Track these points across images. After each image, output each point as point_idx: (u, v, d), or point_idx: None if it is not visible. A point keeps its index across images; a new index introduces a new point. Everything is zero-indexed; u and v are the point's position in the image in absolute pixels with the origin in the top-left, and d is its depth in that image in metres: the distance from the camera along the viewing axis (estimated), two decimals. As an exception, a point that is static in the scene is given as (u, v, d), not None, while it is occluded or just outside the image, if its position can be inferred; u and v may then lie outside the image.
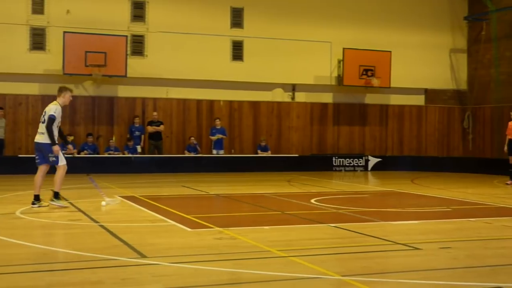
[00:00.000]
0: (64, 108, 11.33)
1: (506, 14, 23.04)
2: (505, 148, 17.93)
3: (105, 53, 20.20)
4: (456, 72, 25.22)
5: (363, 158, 23.31)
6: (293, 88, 23.35)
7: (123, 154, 20.50)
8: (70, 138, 20.25)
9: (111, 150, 20.44)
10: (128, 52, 20.95)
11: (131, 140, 20.74)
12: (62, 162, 10.94)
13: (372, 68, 23.21)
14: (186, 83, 21.93)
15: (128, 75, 20.74)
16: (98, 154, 20.35)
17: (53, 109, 10.88)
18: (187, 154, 21.52)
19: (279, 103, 23.23)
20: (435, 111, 25.09)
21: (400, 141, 24.69)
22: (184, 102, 22.09)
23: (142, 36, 21.49)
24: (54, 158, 10.84)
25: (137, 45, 21.44)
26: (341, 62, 23.11)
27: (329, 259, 7.09)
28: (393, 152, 24.57)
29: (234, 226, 9.23)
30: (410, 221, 10.11)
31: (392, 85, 23.51)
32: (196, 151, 21.48)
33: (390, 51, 23.33)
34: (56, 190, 10.99)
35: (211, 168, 20.93)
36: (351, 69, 23.02)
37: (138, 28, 21.45)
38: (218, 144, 21.54)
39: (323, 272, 6.20)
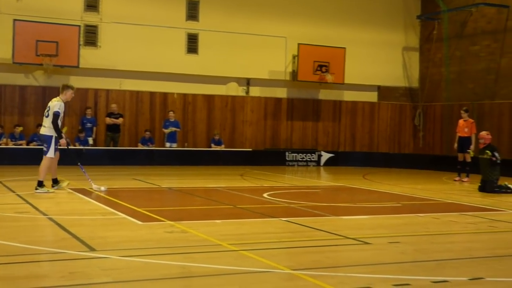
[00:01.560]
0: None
1: (457, 14, 23.47)
2: (455, 145, 18.29)
3: (56, 42, 19.80)
4: (408, 70, 25.59)
5: (316, 153, 23.48)
6: (248, 82, 23.35)
7: (74, 146, 20.18)
8: (19, 129, 19.89)
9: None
10: (81, 43, 20.60)
11: (83, 131, 20.44)
12: (51, 154, 11.92)
13: (327, 64, 23.37)
14: (140, 75, 21.71)
15: (80, 66, 20.39)
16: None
17: (57, 105, 11.89)
18: (140, 147, 21.32)
19: (233, 97, 23.20)
20: (387, 108, 25.42)
21: (352, 137, 24.94)
22: (137, 94, 21.87)
23: (95, 26, 21.16)
24: (45, 149, 11.91)
25: (90, 36, 21.10)
26: (296, 58, 23.21)
27: (280, 253, 7.12)
28: (346, 148, 24.81)
29: (185, 219, 9.18)
30: (361, 216, 10.23)
31: (345, 82, 23.71)
32: (152, 142, 21.30)
33: (344, 48, 23.52)
34: (39, 179, 11.83)
35: (164, 161, 20.80)
36: (306, 65, 23.12)
37: (91, 18, 21.11)
38: (171, 137, 21.40)
39: (274, 266, 6.22)
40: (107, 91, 21.47)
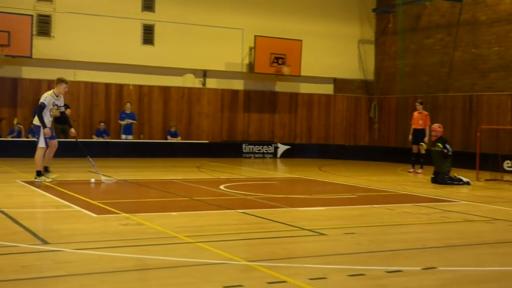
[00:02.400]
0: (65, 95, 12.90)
1: (412, 8, 23.76)
2: (410, 137, 18.56)
3: (8, 32, 19.34)
4: (364, 62, 25.83)
5: (273, 145, 23.55)
6: (204, 74, 23.25)
7: (27, 138, 19.81)
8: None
9: (15, 132, 19.71)
10: (34, 32, 20.20)
11: (36, 123, 20.05)
12: (41, 145, 12.40)
13: (283, 56, 23.42)
14: (95, 66, 21.40)
15: (33, 56, 20.01)
16: (0, 137, 19.57)
17: (44, 97, 12.45)
18: (95, 139, 21.05)
19: (189, 88, 23.08)
20: (343, 100, 25.63)
21: (308, 129, 25.08)
22: (92, 85, 21.56)
23: (48, 16, 20.76)
24: (37, 139, 12.47)
25: (43, 25, 20.70)
26: (253, 50, 23.19)
27: (236, 244, 7.12)
28: (302, 140, 24.94)
29: (141, 212, 9.12)
30: (317, 208, 10.30)
31: (302, 74, 23.80)
32: (107, 134, 21.04)
33: (300, 40, 23.60)
34: (36, 169, 12.44)
35: (120, 153, 20.57)
36: (262, 57, 23.13)
37: (44, 8, 20.71)
38: (127, 129, 21.18)
39: (230, 257, 6.21)
40: (61, 82, 21.09)
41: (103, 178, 12.97)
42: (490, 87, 20.98)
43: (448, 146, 14.91)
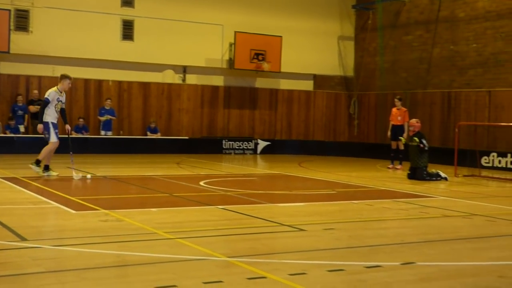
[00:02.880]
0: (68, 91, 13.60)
1: (391, 5, 23.88)
2: (388, 133, 18.67)
3: (-14, 27, 19.20)
4: (343, 59, 25.92)
5: (253, 141, 23.57)
6: (184, 70, 23.19)
7: (5, 133, 19.63)
8: None
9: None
10: (12, 27, 20.01)
11: (13, 119, 19.88)
12: (53, 139, 12.82)
13: (263, 52, 23.43)
14: (74, 62, 21.23)
15: (11, 51, 19.83)
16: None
17: (48, 93, 12.80)
18: (74, 135, 20.87)
19: (169, 84, 23.00)
20: (323, 96, 25.70)
21: (288, 125, 25.12)
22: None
23: (26, 11, 20.56)
24: (47, 135, 12.85)
25: (22, 20, 20.49)
26: (233, 46, 23.17)
27: (216, 240, 7.12)
28: (282, 136, 24.99)
29: (120, 208, 9.08)
30: (296, 203, 10.33)
31: (282, 70, 23.83)
32: (86, 130, 20.90)
33: (280, 36, 23.61)
34: (39, 158, 12.85)
35: (99, 149, 20.46)
36: (242, 53, 23.12)
37: (22, 2, 20.50)
38: (107, 125, 21.07)
39: (210, 253, 6.21)
40: (39, 77, 20.93)
41: (74, 175, 12.72)
42: (468, 84, 21.16)
43: (424, 141, 15.02)
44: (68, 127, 13.42)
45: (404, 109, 18.88)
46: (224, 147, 22.91)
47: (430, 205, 10.45)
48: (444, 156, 19.36)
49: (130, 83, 22.32)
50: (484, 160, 18.74)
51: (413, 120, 15.82)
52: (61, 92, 12.92)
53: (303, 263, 5.97)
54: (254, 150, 23.41)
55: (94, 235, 7.02)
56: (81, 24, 21.17)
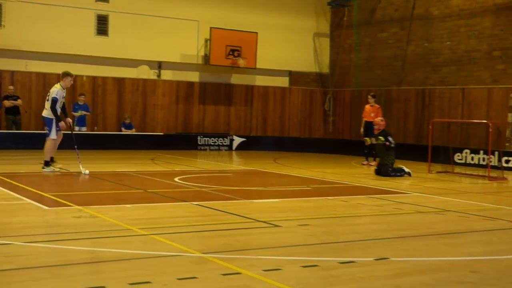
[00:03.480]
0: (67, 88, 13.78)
1: (366, 2, 24.00)
2: (361, 130, 18.78)
3: (-43, 21, 18.91)
4: (319, 55, 25.99)
5: (228, 137, 23.54)
6: (159, 65, 23.07)
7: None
8: None
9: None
10: (-16, 21, 19.75)
11: (-14, 114, 19.66)
12: (52, 136, 13.15)
13: (239, 48, 23.40)
14: (47, 57, 21.00)
15: (-17, 46, 19.59)
16: None
17: (55, 92, 13.15)
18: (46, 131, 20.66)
19: (144, 80, 22.87)
20: (298, 93, 25.75)
21: (264, 121, 25.14)
22: (44, 76, 21.16)
23: (-1, 4, 20.30)
24: (48, 131, 13.17)
25: (-6, 14, 20.23)
26: (208, 42, 23.10)
27: (191, 236, 7.10)
28: (257, 132, 24.99)
29: (94, 204, 9.01)
30: (271, 199, 10.34)
31: (257, 66, 23.82)
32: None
33: (256, 32, 23.60)
34: (45, 159, 13.14)
35: (72, 145, 20.19)
36: (218, 49, 23.06)
37: (-5, -4, 20.24)
38: (81, 121, 20.88)
39: (184, 249, 6.19)
40: (12, 72, 20.69)
41: (82, 169, 13.10)
42: (442, 81, 21.35)
43: (390, 139, 15.14)
44: (69, 120, 13.78)
45: (377, 106, 19.02)
46: (199, 143, 22.85)
47: (404, 201, 10.53)
48: (418, 152, 19.53)
49: (104, 79, 22.15)
50: (457, 157, 18.93)
51: (378, 119, 15.98)
52: (64, 89, 13.43)
53: (277, 259, 5.98)
54: (230, 146, 23.39)
55: (67, 232, 6.97)
56: (54, 18, 20.94)
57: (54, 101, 13.12)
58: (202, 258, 5.90)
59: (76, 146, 13.57)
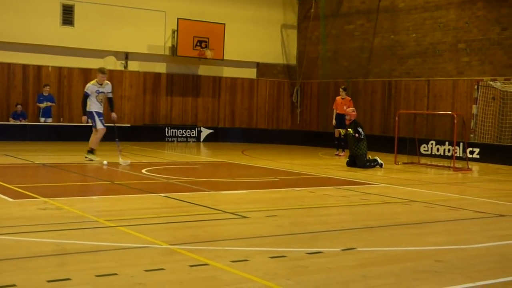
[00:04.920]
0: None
1: (334, -6, 24.08)
2: (334, 121, 18.86)
3: None
4: (286, 47, 26.02)
5: (196, 129, 23.47)
6: (126, 56, 22.87)
7: None
8: None
9: None
10: None
11: None
12: (99, 126, 13.95)
13: (206, 39, 23.30)
14: (11, 47, 20.66)
15: None
16: None
17: (87, 86, 14.03)
18: (12, 122, 20.38)
19: (111, 71, 22.51)
20: (266, 84, 25.77)
21: (232, 113, 25.11)
22: (8, 66, 20.83)
23: (-39, -7, 19.90)
24: (93, 123, 14.02)
25: (-44, 3, 19.83)
26: (175, 33, 22.95)
27: (158, 228, 7.07)
28: (225, 124, 24.96)
29: (60, 196, 8.91)
30: (239, 191, 10.35)
31: (225, 58, 23.76)
32: (24, 117, 20.41)
33: (224, 24, 23.52)
34: (91, 146, 14.02)
35: (38, 136, 20.02)
36: (185, 40, 22.94)
37: (-44, -15, 19.83)
38: (46, 112, 20.61)
39: (151, 241, 6.16)
40: (-25, 62, 20.33)
41: (121, 161, 13.57)
42: (408, 73, 21.56)
43: (360, 130, 15.25)
44: (114, 115, 14.24)
45: (349, 98, 19.20)
46: (166, 134, 22.74)
47: (370, 192, 10.63)
48: (384, 143, 19.72)
49: (70, 69, 21.88)
50: (423, 148, 19.16)
51: (349, 109, 16.07)
52: (100, 84, 13.90)
53: (245, 250, 5.98)
54: (197, 138, 23.32)
55: (32, 224, 6.88)
56: (19, 7, 20.59)
57: (85, 95, 13.90)
58: (170, 250, 5.88)
59: (117, 139, 14.08)
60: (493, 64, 19.09)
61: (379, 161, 15.23)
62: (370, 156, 15.40)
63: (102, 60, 22.40)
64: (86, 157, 14.02)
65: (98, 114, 13.99)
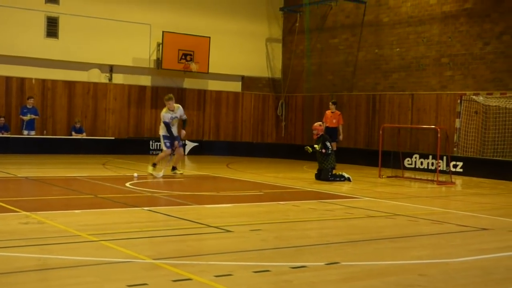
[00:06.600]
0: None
1: (318, 8, 24.21)
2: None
3: None
4: (271, 61, 26.10)
5: (181, 142, 23.34)
6: (111, 69, 22.82)
7: None
8: None
9: None
10: None
11: None
12: (164, 148, 14.90)
13: (191, 52, 23.32)
14: (-5, 59, 20.57)
15: None
16: None
17: (162, 116, 14.88)
18: (-6, 135, 20.23)
19: (95, 83, 22.58)
20: (251, 98, 25.80)
21: (216, 126, 25.10)
22: (-8, 78, 20.72)
23: None
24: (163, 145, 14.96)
25: None
26: (160, 45, 22.96)
27: (142, 242, 7.02)
28: (210, 137, 24.93)
29: (42, 210, 8.83)
30: (224, 205, 10.32)
31: (210, 71, 23.79)
32: (7, 130, 20.27)
33: (209, 37, 23.56)
34: (154, 161, 14.90)
35: (21, 149, 19.88)
36: (170, 53, 22.95)
37: None
38: (30, 125, 20.48)
39: (135, 255, 6.12)
40: (-42, 74, 20.18)
41: (158, 173, 14.44)
42: (392, 87, 21.69)
43: (328, 144, 15.24)
44: (183, 132, 15.28)
45: (338, 112, 19.36)
46: (151, 147, 22.66)
47: (354, 206, 10.64)
48: (368, 157, 19.79)
49: (54, 82, 21.79)
50: (407, 162, 19.24)
51: (316, 124, 15.96)
52: (172, 111, 14.68)
53: (229, 264, 5.96)
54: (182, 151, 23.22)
55: (13, 238, 6.81)
56: (3, 19, 20.51)
57: (165, 124, 14.67)
58: (153, 264, 5.84)
59: (174, 153, 15.12)
60: (476, 79, 19.26)
61: (346, 175, 15.14)
62: (342, 172, 15.29)
63: (86, 72, 22.35)
64: (153, 174, 14.54)
65: (165, 137, 14.80)
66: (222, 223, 8.27)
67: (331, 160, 15.17)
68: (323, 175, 15.04)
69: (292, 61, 25.58)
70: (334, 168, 15.23)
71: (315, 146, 15.33)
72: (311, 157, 20.00)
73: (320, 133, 15.55)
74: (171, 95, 15.12)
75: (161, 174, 14.46)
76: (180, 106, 15.07)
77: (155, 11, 23.15)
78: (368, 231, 8.38)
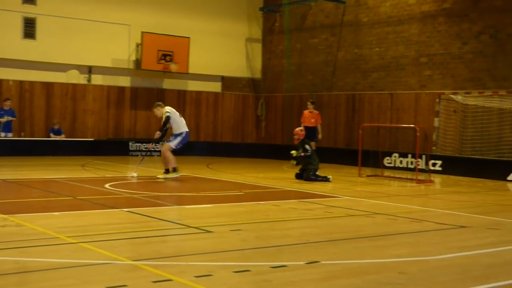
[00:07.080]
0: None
1: (297, 8, 24.25)
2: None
3: None
4: (251, 61, 26.09)
5: (160, 143, 23.27)
6: (89, 70, 22.66)
7: None
8: None
9: None
10: None
11: None
12: (172, 145, 15.04)
13: (171, 53, 23.24)
14: (-29, 60, 20.35)
15: None
16: None
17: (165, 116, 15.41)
18: (-29, 137, 20.01)
19: (74, 85, 22.41)
20: (231, 98, 25.78)
21: (197, 126, 25.03)
22: (-32, 80, 20.49)
23: None
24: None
25: None
26: (140, 46, 22.85)
27: (121, 244, 6.99)
28: (190, 138, 24.77)
29: (20, 212, 8.75)
30: (204, 205, 10.29)
31: (190, 71, 23.72)
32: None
33: (188, 37, 23.50)
34: (167, 167, 14.74)
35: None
36: (150, 54, 22.85)
37: None
38: (7, 127, 20.27)
39: (114, 257, 6.08)
40: None
41: (130, 174, 14.63)
42: (372, 86, 21.79)
43: (307, 147, 15.31)
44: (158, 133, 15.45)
45: (317, 112, 19.40)
46: (130, 149, 22.55)
47: (335, 205, 10.67)
48: (348, 156, 19.87)
49: (32, 83, 21.60)
50: (386, 161, 19.34)
51: (297, 129, 15.99)
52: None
53: (209, 264, 5.95)
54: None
55: (-9, 241, 6.74)
56: (-21, 21, 20.31)
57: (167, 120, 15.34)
58: (133, 266, 5.81)
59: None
60: (454, 78, 19.40)
61: (327, 176, 15.20)
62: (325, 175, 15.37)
63: (64, 73, 22.18)
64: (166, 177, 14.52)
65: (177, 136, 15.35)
66: (202, 223, 8.25)
67: (315, 162, 15.22)
68: (305, 175, 15.07)
69: (272, 61, 25.59)
70: (317, 169, 15.26)
71: (293, 152, 15.40)
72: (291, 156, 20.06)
73: (301, 138, 15.59)
74: (158, 103, 15.94)
75: (135, 174, 14.56)
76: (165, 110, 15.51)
77: (134, 12, 23.04)
78: (348, 230, 8.41)
